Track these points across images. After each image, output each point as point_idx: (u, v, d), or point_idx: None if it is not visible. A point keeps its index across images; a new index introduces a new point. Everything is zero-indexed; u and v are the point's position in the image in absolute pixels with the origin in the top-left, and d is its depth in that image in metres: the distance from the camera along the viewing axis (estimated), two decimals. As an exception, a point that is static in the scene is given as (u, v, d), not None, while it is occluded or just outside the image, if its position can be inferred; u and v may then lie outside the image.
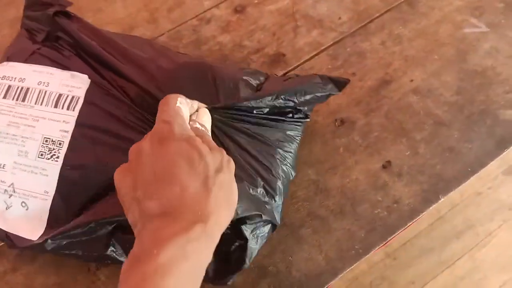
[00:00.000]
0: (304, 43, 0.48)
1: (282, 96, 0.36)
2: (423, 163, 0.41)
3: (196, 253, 0.26)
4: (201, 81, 0.37)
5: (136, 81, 0.36)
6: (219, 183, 0.28)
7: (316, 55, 0.47)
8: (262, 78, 0.39)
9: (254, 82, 0.38)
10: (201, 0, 0.51)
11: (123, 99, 0.36)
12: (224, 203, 0.29)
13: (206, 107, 0.35)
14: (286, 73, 0.46)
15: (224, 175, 0.29)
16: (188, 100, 0.33)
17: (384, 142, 0.42)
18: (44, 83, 0.37)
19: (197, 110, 0.34)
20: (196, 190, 0.27)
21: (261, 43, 0.48)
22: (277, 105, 0.36)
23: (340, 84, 0.38)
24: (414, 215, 0.39)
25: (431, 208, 0.40)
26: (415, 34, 0.48)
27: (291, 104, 0.37)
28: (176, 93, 0.33)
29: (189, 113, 0.33)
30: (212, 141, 0.32)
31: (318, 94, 0.37)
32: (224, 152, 0.31)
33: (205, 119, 0.34)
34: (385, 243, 0.39)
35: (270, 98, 0.36)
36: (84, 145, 0.35)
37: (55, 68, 0.37)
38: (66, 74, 0.37)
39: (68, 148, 0.35)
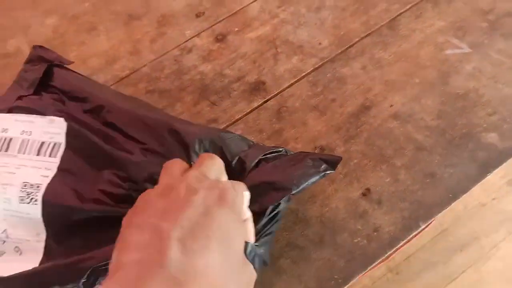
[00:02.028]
0: (284, 70, 0.48)
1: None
2: (403, 190, 0.41)
3: None
4: (183, 147, 0.37)
5: (124, 132, 0.37)
6: (240, 271, 0.27)
7: (296, 81, 0.48)
8: (245, 147, 0.38)
9: (235, 151, 0.37)
10: (183, 30, 0.51)
11: (100, 143, 0.37)
12: None
13: None
14: (266, 101, 0.47)
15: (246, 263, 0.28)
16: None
17: (363, 170, 0.42)
18: (27, 132, 0.38)
19: None
20: (218, 273, 0.24)
21: (242, 71, 0.49)
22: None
23: (333, 162, 0.36)
24: (394, 243, 0.39)
25: (411, 235, 0.39)
26: (395, 57, 0.48)
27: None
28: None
29: None
30: None
31: (314, 180, 0.35)
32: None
33: None
34: (366, 272, 0.38)
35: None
36: (61, 185, 0.36)
37: (35, 116, 0.39)
38: (45, 120, 0.39)
39: (45, 190, 0.35)
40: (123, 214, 0.27)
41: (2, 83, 0.49)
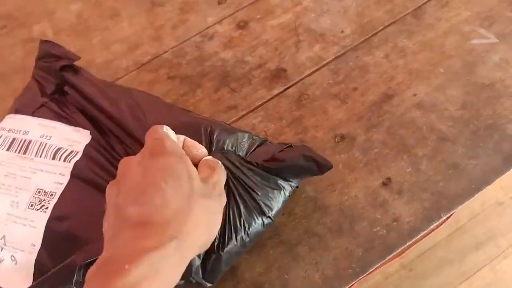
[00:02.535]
0: (306, 58, 0.48)
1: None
2: (425, 180, 0.40)
3: (167, 270, 0.26)
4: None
5: (137, 137, 0.37)
6: (203, 207, 0.28)
7: (317, 70, 0.47)
8: (256, 143, 0.39)
9: (247, 146, 0.38)
10: (205, 16, 0.51)
11: (120, 155, 0.37)
12: (203, 226, 0.29)
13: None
14: (287, 88, 0.46)
15: (210, 202, 0.29)
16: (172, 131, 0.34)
17: (384, 159, 0.42)
18: (46, 136, 0.38)
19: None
20: (177, 206, 0.27)
21: (263, 58, 0.48)
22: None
23: (323, 167, 0.37)
24: (414, 233, 0.38)
25: (432, 226, 0.39)
26: (420, 46, 0.48)
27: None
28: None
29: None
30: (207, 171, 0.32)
31: (306, 174, 0.37)
32: (218, 186, 0.31)
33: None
34: (383, 263, 0.38)
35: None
36: (74, 197, 0.35)
37: (59, 123, 0.39)
38: (69, 128, 0.38)
39: (58, 200, 0.35)
40: None
41: (28, 67, 0.49)
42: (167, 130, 0.32)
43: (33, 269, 0.34)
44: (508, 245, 1.05)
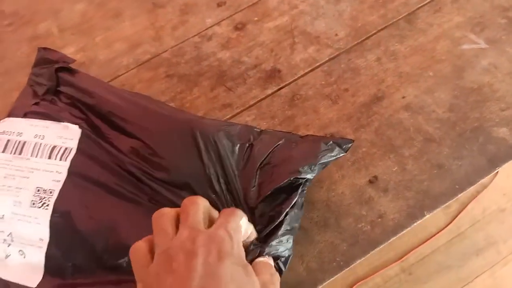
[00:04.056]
0: (300, 59, 0.49)
1: (299, 175, 0.36)
2: (410, 179, 0.42)
3: None
4: (191, 140, 0.38)
5: (131, 134, 0.39)
6: None
7: (311, 71, 0.49)
8: (252, 136, 0.39)
9: (245, 139, 0.39)
10: (204, 18, 0.53)
11: (114, 150, 0.39)
12: None
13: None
14: (280, 88, 0.48)
15: None
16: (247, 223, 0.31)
17: (372, 158, 0.43)
18: (40, 136, 0.39)
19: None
20: None
21: (259, 59, 0.50)
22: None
23: (345, 146, 0.38)
24: (398, 230, 0.40)
25: (415, 224, 0.40)
26: (411, 50, 0.49)
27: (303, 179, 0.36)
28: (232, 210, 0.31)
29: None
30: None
31: (328, 161, 0.37)
32: None
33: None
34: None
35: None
36: (72, 193, 0.37)
37: (50, 121, 0.40)
38: (59, 126, 0.40)
39: (58, 196, 0.37)
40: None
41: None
42: (242, 223, 0.30)
43: (44, 262, 0.36)
44: (508, 252, 1.05)
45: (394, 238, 0.40)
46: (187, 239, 0.27)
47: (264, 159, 0.38)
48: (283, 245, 0.34)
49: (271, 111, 0.47)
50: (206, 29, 0.53)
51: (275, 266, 0.34)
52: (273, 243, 0.34)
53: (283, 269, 0.34)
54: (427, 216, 0.40)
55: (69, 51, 0.52)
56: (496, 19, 0.50)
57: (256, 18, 0.53)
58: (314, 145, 0.37)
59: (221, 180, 0.37)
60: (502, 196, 1.12)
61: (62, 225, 0.36)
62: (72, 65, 0.44)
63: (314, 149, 0.37)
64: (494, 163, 0.42)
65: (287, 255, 0.35)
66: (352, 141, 0.39)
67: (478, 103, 0.45)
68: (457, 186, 0.41)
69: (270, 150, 0.37)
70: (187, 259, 0.26)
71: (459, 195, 0.41)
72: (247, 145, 0.38)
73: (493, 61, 0.47)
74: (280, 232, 0.34)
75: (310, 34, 0.51)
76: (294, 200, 0.36)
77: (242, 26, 0.52)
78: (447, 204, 0.41)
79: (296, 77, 0.48)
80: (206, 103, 0.47)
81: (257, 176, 0.36)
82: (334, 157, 0.38)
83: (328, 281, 0.38)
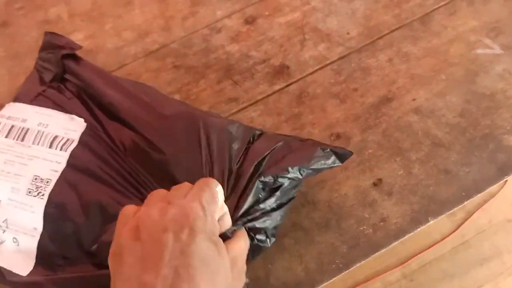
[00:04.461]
0: (310, 56, 0.49)
1: (287, 174, 0.35)
2: (415, 184, 0.41)
3: None
4: (193, 135, 0.37)
5: (132, 127, 0.38)
6: None
7: (320, 69, 0.48)
8: (252, 137, 0.39)
9: (245, 139, 0.38)
10: (214, 10, 0.53)
11: (114, 144, 0.38)
12: None
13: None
14: (288, 85, 0.47)
15: None
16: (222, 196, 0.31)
17: (378, 160, 0.42)
18: (43, 124, 0.39)
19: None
20: None
21: (268, 54, 0.49)
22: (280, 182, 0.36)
23: (343, 156, 0.37)
24: (400, 235, 0.39)
25: (418, 229, 0.39)
26: (424, 52, 0.48)
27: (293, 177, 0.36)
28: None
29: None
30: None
31: (321, 167, 0.36)
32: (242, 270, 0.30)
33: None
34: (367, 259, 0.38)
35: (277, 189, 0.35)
36: (69, 185, 0.36)
37: (55, 111, 0.40)
38: (65, 116, 0.40)
39: (54, 187, 0.36)
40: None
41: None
42: (218, 190, 0.30)
43: (35, 252, 0.35)
44: (513, 263, 1.03)
45: (396, 242, 0.39)
46: (159, 209, 0.27)
47: (260, 160, 0.36)
48: (260, 218, 0.34)
49: (278, 108, 0.46)
50: (216, 21, 0.52)
51: (254, 239, 0.34)
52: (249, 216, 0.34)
53: (264, 242, 0.35)
54: (431, 222, 0.39)
55: (77, 38, 0.51)
56: (513, 25, 0.49)
57: (267, 13, 0.52)
58: (311, 149, 0.36)
59: (216, 177, 0.36)
60: (510, 206, 1.09)
61: (56, 216, 0.36)
62: (80, 53, 0.43)
63: (309, 153, 0.36)
64: (503, 171, 0.41)
65: (270, 226, 0.35)
66: (351, 153, 0.37)
67: (490, 109, 0.44)
68: (463, 193, 0.40)
69: (267, 153, 0.36)
70: (156, 231, 0.26)
71: (465, 202, 0.40)
72: (246, 146, 0.37)
73: (507, 68, 0.46)
74: (260, 206, 0.34)
75: (321, 31, 0.50)
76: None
77: (253, 20, 0.52)
78: (452, 211, 0.40)
79: (304, 74, 0.48)
80: (212, 96, 0.47)
81: (250, 176, 0.35)
82: (329, 166, 0.36)
83: (327, 283, 0.38)
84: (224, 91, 0.47)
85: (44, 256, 0.35)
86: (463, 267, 1.02)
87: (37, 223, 0.35)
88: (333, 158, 0.37)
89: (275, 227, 0.36)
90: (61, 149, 0.38)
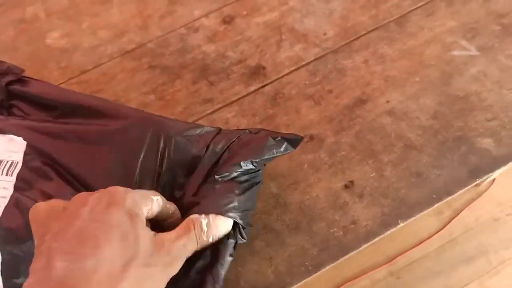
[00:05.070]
0: (286, 57, 0.48)
1: (241, 169, 0.36)
2: (387, 186, 0.41)
3: None
4: (150, 138, 0.37)
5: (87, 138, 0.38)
6: (142, 277, 0.27)
7: (295, 69, 0.48)
8: (210, 135, 0.39)
9: (201, 140, 0.38)
10: (192, 9, 0.52)
11: (61, 162, 0.37)
12: None
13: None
14: (263, 86, 0.47)
15: (152, 273, 0.27)
16: (165, 202, 0.32)
17: (350, 162, 0.42)
18: None
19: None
20: (109, 272, 0.25)
21: (244, 54, 0.49)
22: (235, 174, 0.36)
23: (295, 142, 0.38)
24: (370, 237, 0.39)
25: (388, 232, 0.39)
26: (399, 54, 0.48)
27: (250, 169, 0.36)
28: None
29: (161, 210, 0.32)
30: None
31: (274, 155, 0.37)
32: (173, 253, 0.30)
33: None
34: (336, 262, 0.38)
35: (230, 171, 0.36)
36: (18, 210, 0.35)
37: None
38: (5, 138, 0.38)
39: (3, 214, 0.35)
40: None
41: (18, 46, 0.51)
42: (154, 196, 0.31)
43: (1, 282, 0.34)
44: (499, 262, 1.03)
45: (366, 245, 0.39)
46: (87, 193, 0.29)
47: (216, 161, 0.37)
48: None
49: (253, 109, 0.46)
50: (194, 20, 0.52)
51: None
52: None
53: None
54: (401, 224, 0.39)
55: (53, 36, 0.51)
56: (490, 26, 0.49)
57: (244, 12, 0.52)
58: (262, 140, 0.37)
59: (166, 181, 0.37)
60: (497, 206, 1.10)
61: (10, 243, 0.34)
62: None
63: (261, 144, 0.37)
64: (474, 174, 0.41)
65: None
66: (302, 138, 0.38)
67: (463, 111, 0.44)
68: (434, 196, 0.40)
69: (223, 150, 0.37)
70: (76, 208, 0.28)
71: (436, 205, 0.40)
72: (205, 149, 0.38)
73: (482, 69, 0.46)
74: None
75: (298, 31, 0.50)
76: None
77: (230, 19, 0.51)
78: (423, 213, 0.40)
79: (280, 75, 0.47)
80: (187, 97, 0.47)
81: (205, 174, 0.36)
82: (282, 153, 0.37)
83: (296, 285, 0.38)
84: (200, 91, 0.47)
85: (8, 278, 0.34)
86: (449, 266, 1.03)
87: None
88: (285, 145, 0.37)
89: (246, 214, 0.36)
90: (6, 174, 0.37)
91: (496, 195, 1.10)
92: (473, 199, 1.07)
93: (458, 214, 1.06)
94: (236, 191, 0.35)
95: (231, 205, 0.35)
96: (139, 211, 0.29)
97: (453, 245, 1.06)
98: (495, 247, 1.05)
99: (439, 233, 1.06)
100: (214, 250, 0.34)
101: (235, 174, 0.35)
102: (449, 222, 1.06)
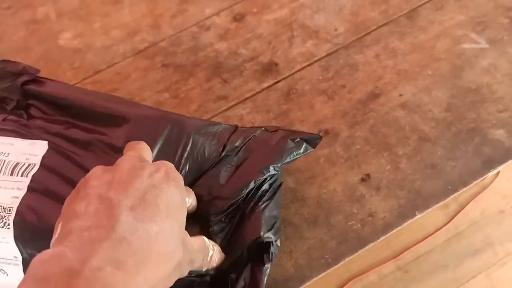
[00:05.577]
0: (298, 53, 0.49)
1: (263, 176, 0.36)
2: (403, 178, 0.41)
3: None
4: (168, 135, 0.37)
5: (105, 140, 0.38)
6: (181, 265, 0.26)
7: (308, 65, 0.48)
8: (227, 132, 0.39)
9: (218, 138, 0.38)
10: (203, 7, 0.53)
11: (80, 162, 0.37)
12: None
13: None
14: (277, 82, 0.47)
15: (182, 263, 0.27)
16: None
17: (365, 155, 0.43)
18: (4, 153, 0.38)
19: None
20: (167, 246, 0.25)
21: (256, 51, 0.50)
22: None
23: (313, 141, 0.38)
24: (388, 229, 0.39)
25: (406, 223, 0.40)
26: (410, 48, 0.48)
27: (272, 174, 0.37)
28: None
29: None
30: None
31: (295, 158, 0.37)
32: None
33: None
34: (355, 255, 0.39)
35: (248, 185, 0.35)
36: (31, 210, 0.35)
37: (16, 138, 0.38)
38: (26, 142, 0.38)
39: (16, 214, 0.35)
40: None
41: (29, 47, 0.51)
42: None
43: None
44: (505, 254, 1.04)
45: (384, 237, 0.40)
46: (136, 157, 0.28)
47: (233, 157, 0.37)
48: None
49: (267, 105, 0.46)
50: (205, 19, 0.52)
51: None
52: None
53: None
54: (418, 216, 0.40)
55: (65, 37, 0.51)
56: (499, 19, 0.49)
57: (255, 10, 0.52)
58: (281, 142, 0.37)
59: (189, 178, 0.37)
60: (502, 198, 1.11)
61: (26, 242, 0.34)
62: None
63: (281, 148, 0.37)
64: (488, 165, 0.42)
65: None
66: (320, 137, 0.38)
67: (475, 103, 0.45)
68: (449, 187, 0.41)
69: (239, 149, 0.37)
70: (132, 169, 0.26)
71: (451, 196, 0.40)
72: (221, 147, 0.38)
73: (493, 62, 0.47)
74: None
75: (309, 28, 0.51)
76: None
77: (241, 17, 0.52)
78: (439, 204, 0.41)
79: (293, 71, 0.48)
80: (200, 95, 0.47)
81: (222, 175, 0.36)
82: (302, 154, 0.37)
83: (316, 278, 0.38)
84: (213, 89, 0.47)
85: None
86: (456, 259, 1.04)
87: (15, 252, 0.35)
88: (304, 145, 0.37)
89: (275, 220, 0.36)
90: (22, 175, 0.37)
91: (501, 188, 1.11)
92: (478, 193, 1.08)
93: (463, 208, 1.07)
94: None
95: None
96: (186, 199, 0.29)
97: (459, 238, 1.07)
98: (501, 239, 1.06)
99: (445, 227, 1.07)
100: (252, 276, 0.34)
101: (256, 183, 0.36)
102: (455, 216, 1.07)
